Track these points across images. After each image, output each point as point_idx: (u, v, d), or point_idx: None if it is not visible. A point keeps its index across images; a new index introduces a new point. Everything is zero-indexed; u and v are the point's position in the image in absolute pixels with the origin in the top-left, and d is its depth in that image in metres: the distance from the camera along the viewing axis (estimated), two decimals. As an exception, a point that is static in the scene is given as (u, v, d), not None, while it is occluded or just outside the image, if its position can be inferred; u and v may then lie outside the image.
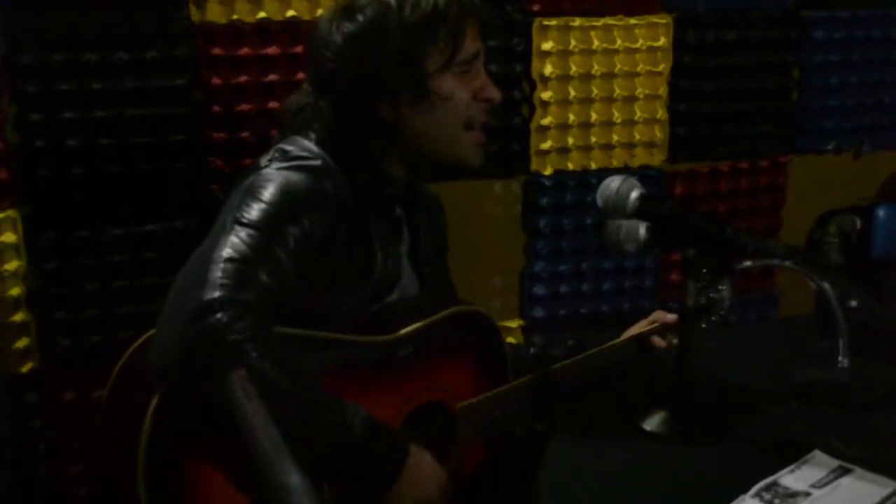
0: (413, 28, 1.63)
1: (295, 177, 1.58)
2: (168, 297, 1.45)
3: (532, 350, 2.07)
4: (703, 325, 1.60)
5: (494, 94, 1.72)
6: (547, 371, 1.83)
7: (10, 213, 2.11)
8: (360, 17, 1.64)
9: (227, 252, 1.45)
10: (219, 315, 1.37)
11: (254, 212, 1.51)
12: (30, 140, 2.10)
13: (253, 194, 1.54)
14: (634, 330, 2.01)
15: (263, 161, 1.63)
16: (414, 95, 1.65)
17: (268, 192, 1.54)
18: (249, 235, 1.47)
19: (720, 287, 1.57)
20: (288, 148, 1.64)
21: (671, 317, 1.97)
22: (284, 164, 1.60)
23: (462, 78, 1.68)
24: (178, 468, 1.44)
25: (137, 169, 2.18)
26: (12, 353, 2.16)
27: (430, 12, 1.64)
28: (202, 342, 1.37)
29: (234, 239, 1.47)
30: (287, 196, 1.55)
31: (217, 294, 1.39)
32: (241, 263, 1.44)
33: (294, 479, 0.77)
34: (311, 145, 1.65)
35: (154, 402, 1.41)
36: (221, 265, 1.43)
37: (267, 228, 1.50)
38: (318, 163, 1.62)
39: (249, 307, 1.40)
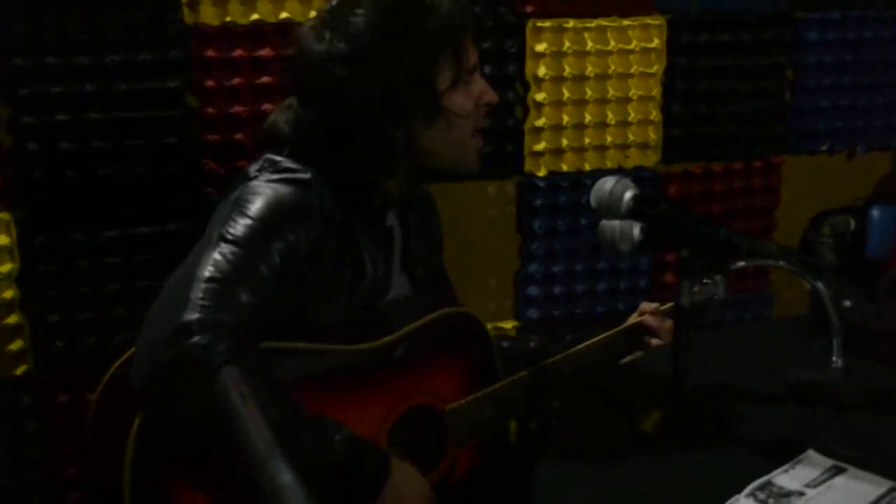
0: (421, 49, 1.60)
1: (283, 190, 1.56)
2: (149, 313, 1.43)
3: (532, 344, 2.06)
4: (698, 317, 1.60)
5: (493, 97, 1.71)
6: (536, 368, 1.83)
7: (4, 215, 2.11)
8: (361, 40, 1.58)
9: (208, 271, 1.43)
10: (197, 337, 1.35)
11: (239, 228, 1.49)
12: (23, 143, 2.10)
13: (240, 209, 1.52)
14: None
15: (252, 171, 1.61)
16: (427, 115, 1.63)
17: (254, 207, 1.52)
18: (233, 253, 1.46)
19: (713, 282, 1.57)
20: (277, 158, 1.62)
21: (654, 305, 1.97)
22: (274, 177, 1.58)
23: (465, 88, 1.67)
24: (163, 485, 1.44)
25: (131, 171, 2.18)
26: (6, 356, 2.16)
27: (437, 32, 1.60)
28: (180, 365, 1.35)
29: (216, 256, 1.45)
30: (273, 211, 1.53)
31: (196, 315, 1.37)
32: (222, 283, 1.42)
33: (287, 478, 0.77)
34: (300, 156, 1.63)
35: (137, 420, 1.41)
36: (202, 285, 1.41)
37: (251, 245, 1.48)
38: (307, 175, 1.59)
39: (229, 329, 1.38)
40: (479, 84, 1.70)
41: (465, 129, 1.68)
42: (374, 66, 1.58)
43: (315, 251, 1.57)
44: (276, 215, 1.53)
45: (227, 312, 1.40)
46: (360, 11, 1.60)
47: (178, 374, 1.36)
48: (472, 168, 1.75)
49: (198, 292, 1.40)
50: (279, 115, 1.70)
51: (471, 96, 1.68)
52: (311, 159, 1.62)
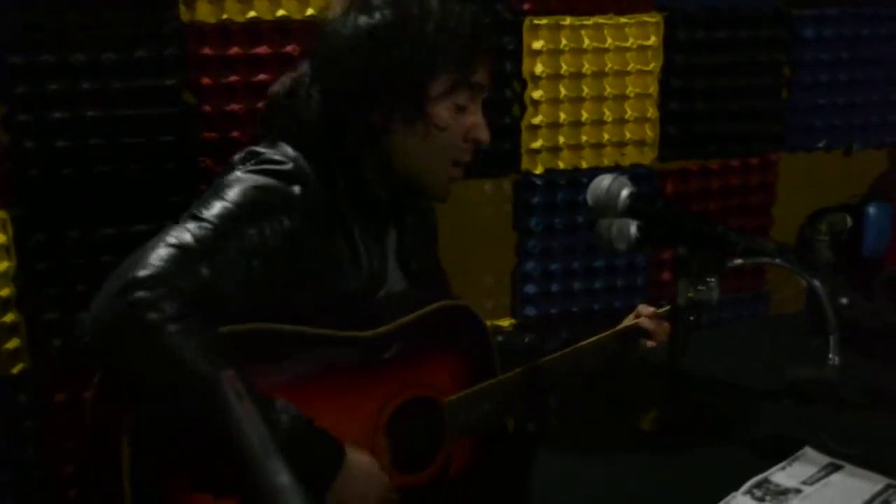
0: (427, 44, 1.60)
1: (262, 180, 1.56)
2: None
3: (527, 339, 2.06)
4: (692, 318, 1.60)
5: (484, 136, 1.70)
6: (535, 364, 1.83)
7: (0, 213, 2.11)
8: (378, 15, 1.61)
9: (170, 238, 1.43)
10: (141, 293, 1.35)
11: (212, 208, 1.50)
12: (19, 140, 2.09)
13: (216, 192, 1.53)
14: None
15: (235, 162, 1.63)
16: (408, 114, 1.63)
17: (231, 192, 1.52)
18: (200, 227, 1.46)
19: (709, 283, 1.57)
20: (261, 150, 1.63)
21: (651, 309, 1.97)
22: (254, 168, 1.59)
23: (458, 113, 1.66)
24: (163, 481, 1.44)
25: (128, 169, 2.18)
26: (3, 355, 2.16)
27: (448, 34, 1.61)
28: (121, 318, 1.36)
29: (180, 228, 1.46)
30: (250, 199, 1.53)
31: (148, 273, 1.37)
32: (182, 251, 1.42)
33: (284, 478, 0.77)
34: (288, 149, 1.63)
35: (135, 414, 1.41)
36: (160, 249, 1.41)
37: (221, 225, 1.48)
38: (289, 167, 1.60)
39: (179, 292, 1.38)
40: (474, 116, 1.69)
41: (439, 148, 1.67)
42: (380, 47, 1.60)
43: (292, 243, 1.56)
44: (251, 203, 1.53)
45: (183, 280, 1.40)
46: None
47: (119, 328, 1.36)
48: (439, 194, 1.74)
49: (153, 255, 1.40)
50: (292, 81, 1.71)
51: (460, 122, 1.67)
52: (304, 147, 1.63)
